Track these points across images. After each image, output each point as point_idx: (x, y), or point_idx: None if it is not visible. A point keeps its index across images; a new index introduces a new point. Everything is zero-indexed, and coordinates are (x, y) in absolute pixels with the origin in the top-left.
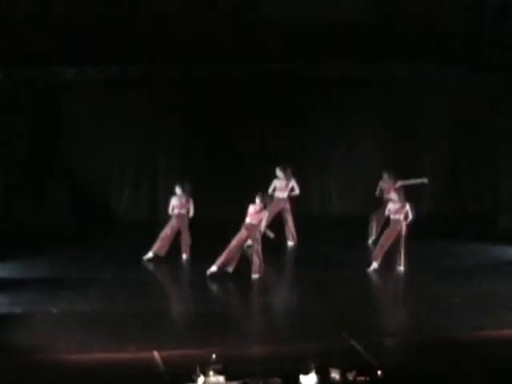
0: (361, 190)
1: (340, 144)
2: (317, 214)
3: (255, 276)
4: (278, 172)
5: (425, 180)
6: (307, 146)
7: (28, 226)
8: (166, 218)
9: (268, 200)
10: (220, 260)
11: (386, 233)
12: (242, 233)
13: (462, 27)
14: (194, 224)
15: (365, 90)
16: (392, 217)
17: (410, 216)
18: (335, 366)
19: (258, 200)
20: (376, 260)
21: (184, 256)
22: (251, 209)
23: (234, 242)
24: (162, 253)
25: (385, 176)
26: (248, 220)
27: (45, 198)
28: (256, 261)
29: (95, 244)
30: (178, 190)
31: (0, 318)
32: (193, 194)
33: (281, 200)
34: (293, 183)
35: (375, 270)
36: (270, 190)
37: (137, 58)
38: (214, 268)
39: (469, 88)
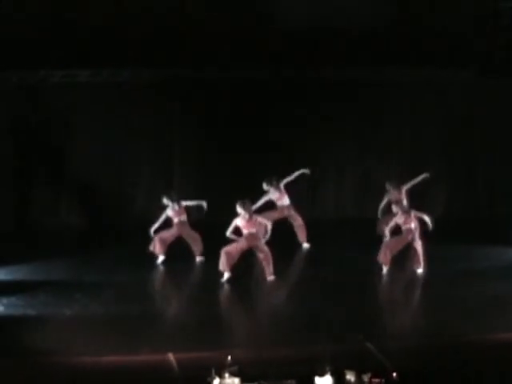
0: (373, 192)
1: (352, 147)
2: (330, 215)
3: (271, 278)
4: (266, 186)
5: (426, 175)
6: (320, 149)
7: (42, 228)
8: None
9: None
10: (227, 264)
11: (397, 239)
12: (242, 243)
13: (469, 31)
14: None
15: (376, 93)
16: (404, 227)
17: (429, 224)
18: (350, 368)
19: (240, 209)
20: (386, 265)
21: (198, 259)
22: (241, 221)
23: (233, 249)
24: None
25: (389, 187)
26: (245, 231)
27: (58, 200)
28: (268, 264)
29: (109, 246)
30: (165, 201)
31: (14, 320)
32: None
33: (285, 208)
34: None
35: (389, 272)
36: (260, 203)
37: (146, 61)
38: (227, 275)
39: (478, 92)
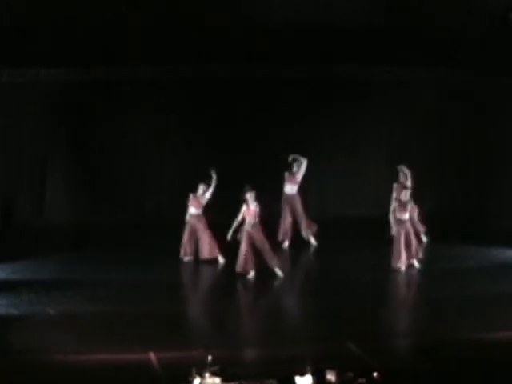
0: (366, 191)
1: (344, 144)
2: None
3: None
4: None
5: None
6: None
7: (27, 228)
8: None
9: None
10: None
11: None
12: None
13: (462, 31)
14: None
15: (366, 92)
16: (398, 216)
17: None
18: (331, 368)
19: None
20: (399, 263)
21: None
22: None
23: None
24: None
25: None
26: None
27: (43, 199)
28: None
29: (95, 246)
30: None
31: None
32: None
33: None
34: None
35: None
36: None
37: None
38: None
39: (468, 90)
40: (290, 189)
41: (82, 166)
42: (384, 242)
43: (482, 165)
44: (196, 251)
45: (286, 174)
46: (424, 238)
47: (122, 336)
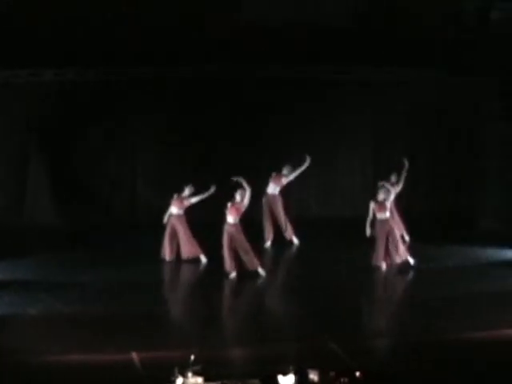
0: (345, 191)
1: (325, 145)
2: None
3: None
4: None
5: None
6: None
7: (5, 228)
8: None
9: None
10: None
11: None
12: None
13: (440, 31)
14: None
15: (347, 92)
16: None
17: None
18: (314, 368)
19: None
20: (379, 262)
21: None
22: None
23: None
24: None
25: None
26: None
27: (22, 200)
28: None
29: (80, 247)
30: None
31: None
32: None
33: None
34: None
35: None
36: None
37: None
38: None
39: (449, 91)
40: (273, 189)
41: (65, 166)
42: (364, 241)
43: (467, 165)
44: (177, 251)
45: (274, 174)
46: (406, 238)
47: (104, 336)
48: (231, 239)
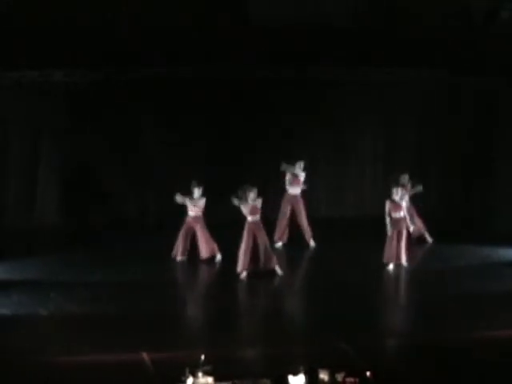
0: (351, 191)
1: (327, 146)
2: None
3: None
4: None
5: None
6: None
7: (16, 229)
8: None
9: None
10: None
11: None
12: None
13: (441, 31)
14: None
15: (353, 92)
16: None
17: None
18: (324, 367)
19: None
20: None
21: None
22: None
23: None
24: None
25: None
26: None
27: (31, 200)
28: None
29: (89, 246)
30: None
31: None
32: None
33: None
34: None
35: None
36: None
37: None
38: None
39: (451, 91)
40: (294, 189)
41: (72, 167)
42: (372, 240)
43: (471, 164)
44: (189, 251)
45: (288, 175)
46: (428, 239)
47: (115, 336)
48: (253, 237)
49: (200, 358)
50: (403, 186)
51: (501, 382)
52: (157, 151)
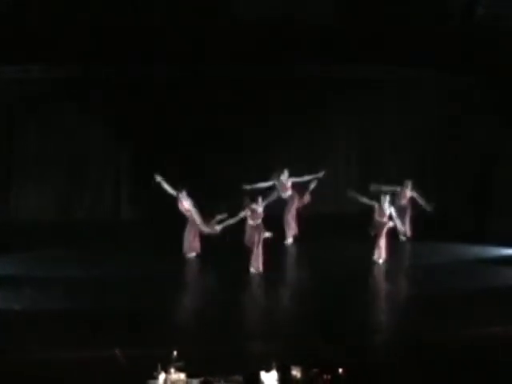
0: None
1: (314, 144)
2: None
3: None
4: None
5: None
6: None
7: None
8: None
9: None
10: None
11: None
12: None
13: (434, 29)
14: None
15: (336, 91)
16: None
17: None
18: (297, 364)
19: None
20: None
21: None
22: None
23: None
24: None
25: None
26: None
27: (6, 195)
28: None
29: (61, 243)
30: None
31: None
32: None
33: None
34: None
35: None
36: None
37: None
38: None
39: (446, 90)
40: (285, 195)
41: (52, 164)
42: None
43: (445, 163)
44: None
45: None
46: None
47: (88, 332)
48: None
49: (172, 354)
50: (405, 190)
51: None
52: (142, 149)
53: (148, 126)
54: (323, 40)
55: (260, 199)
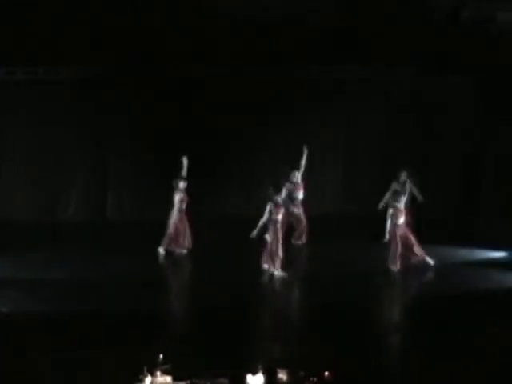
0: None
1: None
2: None
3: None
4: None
5: None
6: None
7: None
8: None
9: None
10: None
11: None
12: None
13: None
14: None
15: (324, 91)
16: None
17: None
18: (283, 367)
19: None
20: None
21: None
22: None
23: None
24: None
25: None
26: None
27: None
28: None
29: (43, 245)
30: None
31: None
32: None
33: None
34: None
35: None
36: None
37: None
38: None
39: (421, 89)
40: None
41: (35, 163)
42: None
43: (427, 163)
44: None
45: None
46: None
47: (74, 333)
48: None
49: (158, 357)
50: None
51: None
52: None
53: (136, 126)
54: (308, 41)
55: (284, 191)
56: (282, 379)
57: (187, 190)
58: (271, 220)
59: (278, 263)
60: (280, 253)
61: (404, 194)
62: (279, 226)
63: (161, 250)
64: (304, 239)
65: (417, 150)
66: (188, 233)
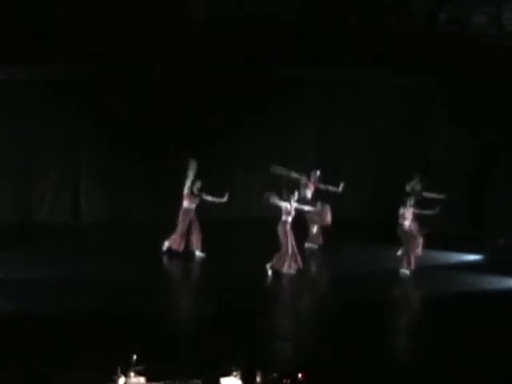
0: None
1: (271, 144)
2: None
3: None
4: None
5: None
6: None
7: None
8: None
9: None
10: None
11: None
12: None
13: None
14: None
15: (300, 91)
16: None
17: None
18: (257, 369)
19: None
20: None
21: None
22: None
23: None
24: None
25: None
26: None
27: None
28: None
29: (17, 246)
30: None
31: None
32: None
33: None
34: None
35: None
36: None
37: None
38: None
39: (402, 91)
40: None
41: (11, 165)
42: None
43: (406, 164)
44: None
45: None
46: None
47: (46, 335)
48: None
49: (132, 357)
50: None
51: None
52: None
53: (108, 127)
54: (286, 40)
55: (296, 193)
56: (255, 381)
57: (194, 192)
58: (281, 221)
59: (287, 264)
60: (290, 253)
61: (416, 196)
62: (289, 227)
63: (163, 248)
64: (320, 240)
65: (395, 152)
66: (196, 235)
